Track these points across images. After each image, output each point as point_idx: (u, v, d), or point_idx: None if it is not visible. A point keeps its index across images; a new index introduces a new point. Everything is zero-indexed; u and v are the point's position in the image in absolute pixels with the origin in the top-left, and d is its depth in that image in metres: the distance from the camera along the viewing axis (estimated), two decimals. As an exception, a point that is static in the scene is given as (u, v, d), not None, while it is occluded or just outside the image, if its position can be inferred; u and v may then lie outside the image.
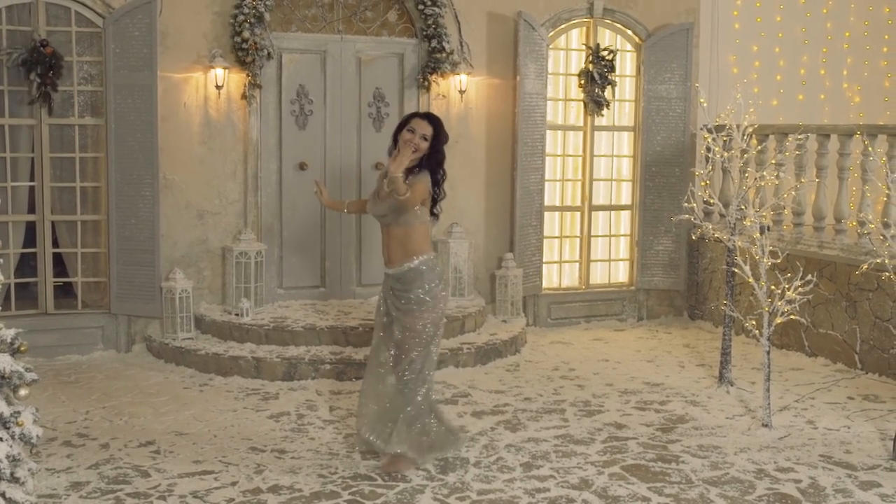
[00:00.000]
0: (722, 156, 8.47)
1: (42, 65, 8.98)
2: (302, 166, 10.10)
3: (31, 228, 9.46)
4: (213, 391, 8.36)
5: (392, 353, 6.36)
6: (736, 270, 8.11)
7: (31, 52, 8.97)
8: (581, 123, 11.22)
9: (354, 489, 6.07)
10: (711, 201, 8.66)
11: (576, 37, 11.13)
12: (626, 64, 11.33)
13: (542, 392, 8.42)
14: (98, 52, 9.34)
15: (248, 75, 9.63)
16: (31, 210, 9.40)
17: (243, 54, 9.52)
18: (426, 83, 10.26)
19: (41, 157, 9.28)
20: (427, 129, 6.22)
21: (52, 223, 9.44)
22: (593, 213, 11.35)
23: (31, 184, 9.37)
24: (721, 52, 11.79)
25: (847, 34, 12.46)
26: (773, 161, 9.57)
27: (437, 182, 6.28)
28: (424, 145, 6.19)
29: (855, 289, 9.02)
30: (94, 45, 9.36)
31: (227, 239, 9.84)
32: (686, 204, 8.65)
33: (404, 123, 6.29)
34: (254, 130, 9.83)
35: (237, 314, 9.37)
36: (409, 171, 6.17)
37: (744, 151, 8.45)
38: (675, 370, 9.23)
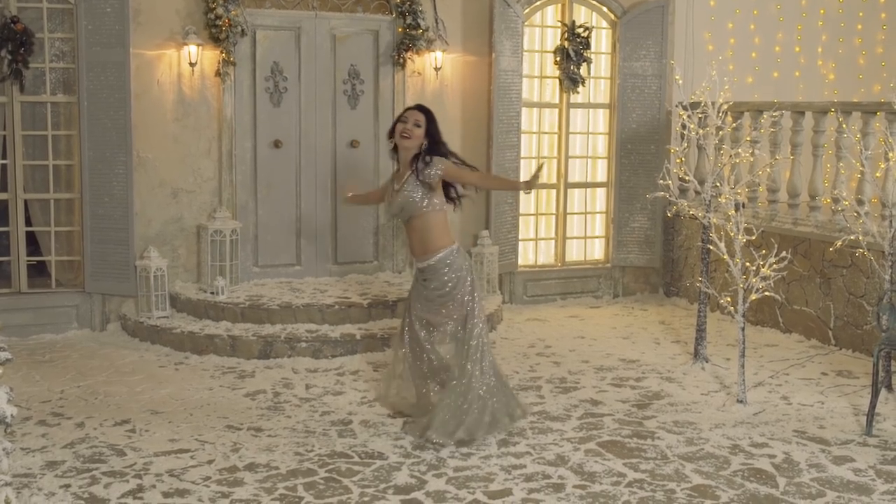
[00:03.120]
0: (697, 133, 8.48)
1: (13, 41, 8.89)
2: (277, 144, 10.05)
3: (3, 207, 9.37)
4: (189, 370, 8.34)
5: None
6: (711, 247, 8.14)
7: (1, 28, 8.87)
8: (557, 101, 11.21)
9: (331, 467, 6.07)
10: (687, 178, 8.68)
11: (551, 14, 11.10)
12: (601, 41, 11.31)
13: (518, 369, 8.44)
14: (70, 29, 9.25)
15: (221, 52, 9.56)
16: (4, 188, 9.32)
17: (217, 31, 9.45)
18: (401, 60, 10.23)
19: (13, 135, 9.19)
20: (418, 116, 6.48)
21: (25, 201, 9.36)
22: (569, 190, 11.35)
23: (3, 162, 9.28)
24: (696, 29, 11.80)
25: (822, 11, 12.50)
26: (748, 138, 9.60)
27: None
28: (418, 132, 6.44)
29: (829, 265, 9.08)
30: (65, 21, 9.26)
31: (202, 217, 9.79)
32: (661, 181, 8.66)
33: (396, 120, 6.62)
34: (228, 108, 9.77)
35: (212, 292, 9.34)
36: (416, 158, 6.48)
37: (719, 128, 8.46)
38: (650, 347, 9.27)
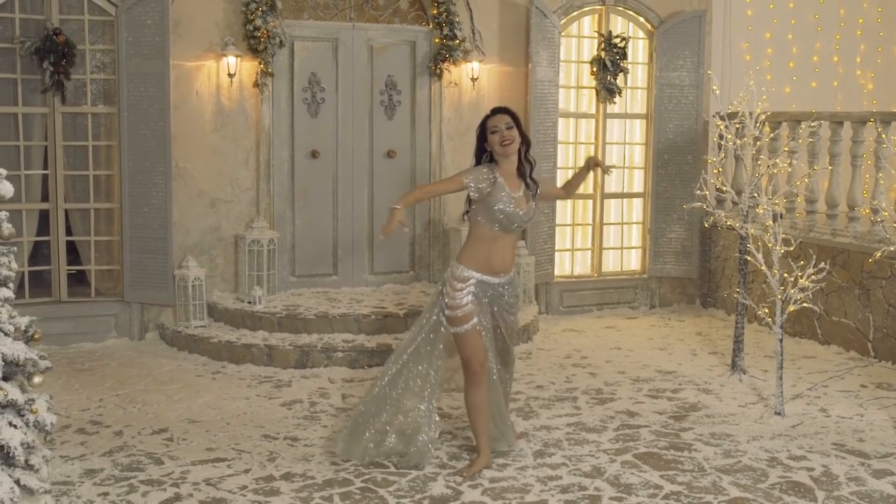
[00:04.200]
0: (734, 143, 8.44)
1: (55, 53, 9.01)
2: (314, 154, 10.10)
3: (44, 216, 9.49)
4: (226, 379, 8.39)
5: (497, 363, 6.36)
6: (748, 258, 8.09)
7: (43, 40, 9.00)
8: (593, 111, 11.19)
9: (367, 477, 6.08)
10: (724, 189, 8.64)
11: (588, 24, 11.10)
12: (638, 51, 11.29)
13: (555, 380, 8.42)
14: (110, 41, 9.35)
15: (260, 63, 9.63)
16: (45, 198, 9.43)
17: (255, 42, 9.52)
18: (438, 71, 10.26)
19: (54, 146, 9.30)
20: (506, 119, 6.06)
21: (66, 211, 9.47)
22: (605, 200, 11.33)
23: (45, 172, 9.39)
24: (733, 38, 11.74)
25: (860, 21, 12.39)
26: (786, 148, 9.54)
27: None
28: (514, 133, 6.03)
29: (868, 276, 9.00)
30: (106, 33, 9.37)
31: (240, 227, 9.86)
32: (698, 191, 8.62)
33: (483, 129, 6.12)
34: (266, 118, 9.84)
35: (250, 302, 9.39)
36: (521, 170, 6.15)
37: (756, 139, 8.42)
38: (687, 358, 9.22)
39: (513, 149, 6.03)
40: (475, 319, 6.05)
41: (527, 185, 6.16)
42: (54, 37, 8.99)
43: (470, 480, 6.05)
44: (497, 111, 6.16)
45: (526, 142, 6.15)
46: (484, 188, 5.97)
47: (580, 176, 6.76)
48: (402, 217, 5.76)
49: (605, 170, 6.67)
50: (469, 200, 6.12)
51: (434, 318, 6.20)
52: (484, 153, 6.13)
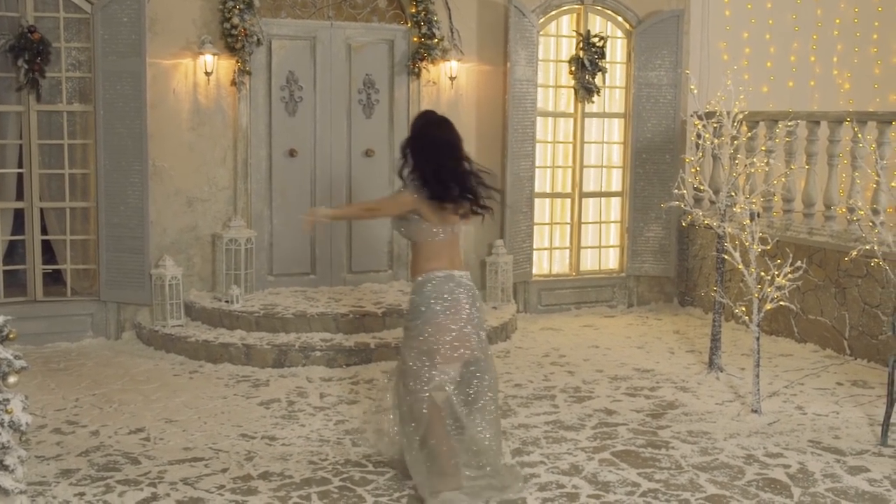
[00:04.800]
0: (712, 142, 8.47)
1: (30, 51, 8.95)
2: (292, 153, 10.08)
3: (19, 215, 9.43)
4: (204, 378, 8.36)
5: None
6: (726, 257, 8.12)
7: (18, 38, 8.94)
8: (571, 110, 11.21)
9: (345, 475, 6.07)
10: (702, 188, 8.67)
11: (566, 23, 11.11)
12: (616, 51, 11.32)
13: (533, 378, 8.43)
14: (86, 39, 9.30)
15: (237, 62, 9.60)
16: (20, 197, 9.37)
17: (233, 41, 9.49)
18: (416, 70, 10.25)
19: (29, 144, 9.24)
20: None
21: (41, 210, 9.41)
22: (584, 199, 11.35)
23: (20, 171, 9.33)
24: (711, 38, 11.77)
25: (837, 21, 12.46)
26: (763, 148, 9.58)
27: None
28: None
29: (844, 275, 9.04)
30: (82, 31, 9.31)
31: (217, 226, 9.82)
32: (676, 191, 8.65)
33: (435, 152, 5.74)
34: (243, 117, 9.81)
35: (227, 301, 9.36)
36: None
37: (734, 138, 8.45)
38: (665, 356, 9.25)
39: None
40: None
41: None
42: (29, 34, 8.93)
43: None
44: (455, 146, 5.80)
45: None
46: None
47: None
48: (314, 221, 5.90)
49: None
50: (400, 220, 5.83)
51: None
52: (424, 169, 5.71)
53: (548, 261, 11.35)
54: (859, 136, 8.68)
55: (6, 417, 4.69)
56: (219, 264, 9.70)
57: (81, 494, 5.74)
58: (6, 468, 4.69)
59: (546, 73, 11.10)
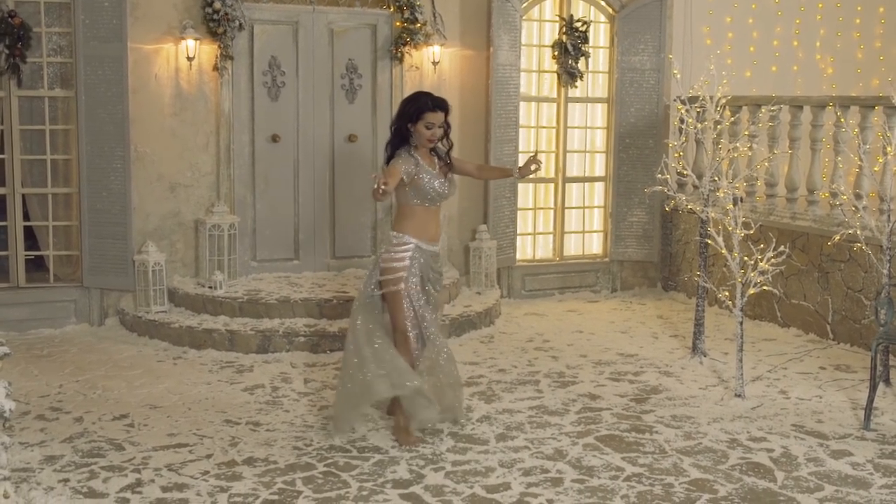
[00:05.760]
0: (695, 127, 8.48)
1: (10, 36, 8.89)
2: (275, 138, 10.04)
3: (1, 202, 9.37)
4: (187, 364, 8.34)
5: (431, 326, 6.53)
6: (709, 242, 8.14)
7: (-1, 22, 8.88)
8: (555, 95, 11.20)
9: (329, 461, 6.07)
10: (685, 173, 8.68)
11: (549, 8, 11.10)
12: (599, 35, 11.31)
13: (517, 363, 8.44)
14: (67, 23, 9.23)
15: (219, 46, 9.56)
16: (2, 183, 9.33)
17: (214, 25, 9.44)
18: (399, 55, 10.22)
19: (10, 130, 9.18)
20: (441, 119, 6.40)
21: (23, 196, 9.36)
22: (567, 184, 11.35)
23: (1, 156, 9.28)
24: (695, 23, 11.77)
25: (820, 6, 12.48)
26: (747, 132, 9.60)
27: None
28: (441, 132, 6.44)
29: (827, 260, 9.08)
30: (63, 15, 9.24)
31: (200, 211, 9.79)
32: (660, 175, 8.65)
33: (417, 113, 6.37)
34: (226, 102, 9.76)
35: (211, 287, 9.34)
36: (434, 148, 6.52)
37: (717, 123, 8.45)
38: (648, 341, 9.28)
39: (435, 143, 6.48)
40: (412, 280, 6.37)
41: (440, 160, 6.56)
42: (9, 19, 8.86)
43: (414, 446, 6.30)
44: (437, 106, 6.40)
45: (448, 128, 6.53)
46: (412, 171, 6.34)
47: (500, 174, 6.94)
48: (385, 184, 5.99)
49: (529, 168, 6.67)
50: (389, 154, 6.47)
51: (369, 291, 6.49)
52: (406, 134, 6.43)
53: (531, 246, 11.36)
54: (842, 120, 8.70)
55: (-11, 404, 4.68)
56: (202, 250, 9.67)
57: (66, 481, 5.72)
58: (-11, 455, 4.68)
59: (529, 58, 11.08)
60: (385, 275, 6.38)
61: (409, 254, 6.38)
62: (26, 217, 9.43)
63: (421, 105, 6.39)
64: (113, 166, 9.28)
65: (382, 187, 5.88)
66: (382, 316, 6.53)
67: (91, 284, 9.44)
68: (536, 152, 6.60)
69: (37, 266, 9.65)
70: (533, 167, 6.59)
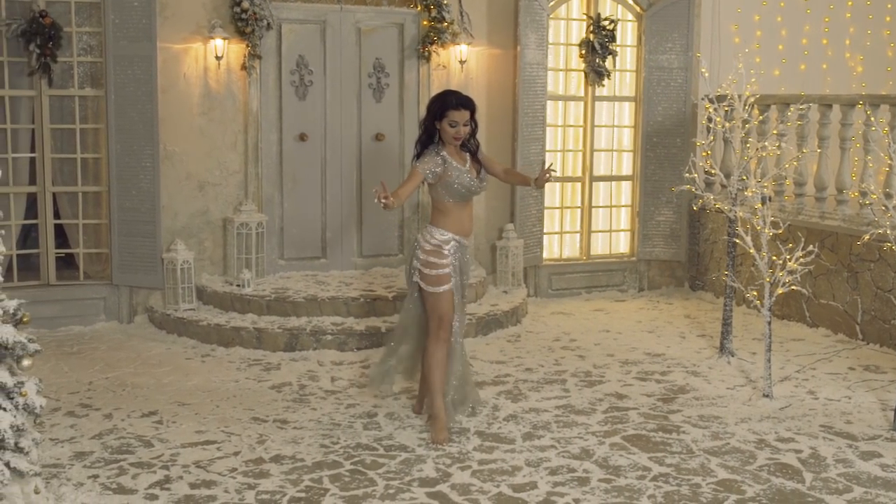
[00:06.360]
0: (723, 126, 8.45)
1: (41, 35, 8.95)
2: (302, 137, 10.08)
3: (32, 200, 9.47)
4: (215, 362, 8.39)
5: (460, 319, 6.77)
6: (737, 241, 8.10)
7: (30, 22, 8.94)
8: (582, 94, 11.18)
9: (356, 459, 6.09)
10: (713, 172, 8.64)
11: (576, 6, 11.08)
12: (626, 34, 11.28)
13: (543, 362, 8.44)
14: (97, 23, 9.30)
15: (247, 46, 9.60)
16: (32, 181, 9.40)
17: (243, 24, 9.49)
18: (426, 54, 10.23)
19: (41, 129, 9.26)
20: (466, 116, 6.48)
21: (54, 194, 9.44)
22: (594, 183, 11.33)
23: (32, 155, 9.35)
24: (723, 21, 11.72)
25: (850, 3, 12.39)
26: (775, 131, 9.55)
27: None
28: (466, 130, 6.50)
29: (856, 259, 9.02)
30: (93, 15, 9.31)
31: (228, 210, 9.84)
32: (687, 174, 8.63)
33: (442, 111, 6.46)
34: (254, 101, 9.81)
35: (238, 285, 9.38)
36: (463, 144, 6.61)
37: (745, 122, 8.42)
38: (675, 341, 9.25)
39: (461, 141, 6.53)
40: (453, 280, 6.54)
41: (472, 156, 6.64)
42: (41, 19, 8.93)
43: (446, 444, 6.34)
44: (461, 104, 6.48)
45: (475, 127, 6.61)
46: (439, 172, 6.45)
47: (522, 180, 7.04)
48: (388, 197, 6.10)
49: (544, 179, 6.69)
50: (418, 152, 6.60)
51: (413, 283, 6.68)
52: (433, 131, 6.54)
53: (558, 245, 11.34)
54: (872, 119, 8.66)
55: (21, 400, 4.72)
56: (230, 248, 9.72)
57: (95, 477, 5.77)
58: (21, 450, 4.72)
59: (556, 56, 11.06)
60: (429, 269, 6.50)
61: (450, 245, 6.52)
62: (57, 215, 9.51)
63: (445, 103, 6.48)
64: (142, 165, 9.34)
65: (384, 202, 6.04)
66: (418, 308, 6.74)
67: (120, 282, 9.51)
68: (550, 166, 6.62)
69: (67, 264, 9.73)
70: (547, 176, 6.62)
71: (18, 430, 4.69)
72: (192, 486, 5.67)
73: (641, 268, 11.47)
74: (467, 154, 6.62)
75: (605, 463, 6.08)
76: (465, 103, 6.48)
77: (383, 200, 6.01)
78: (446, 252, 6.51)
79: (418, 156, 6.56)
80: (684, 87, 11.20)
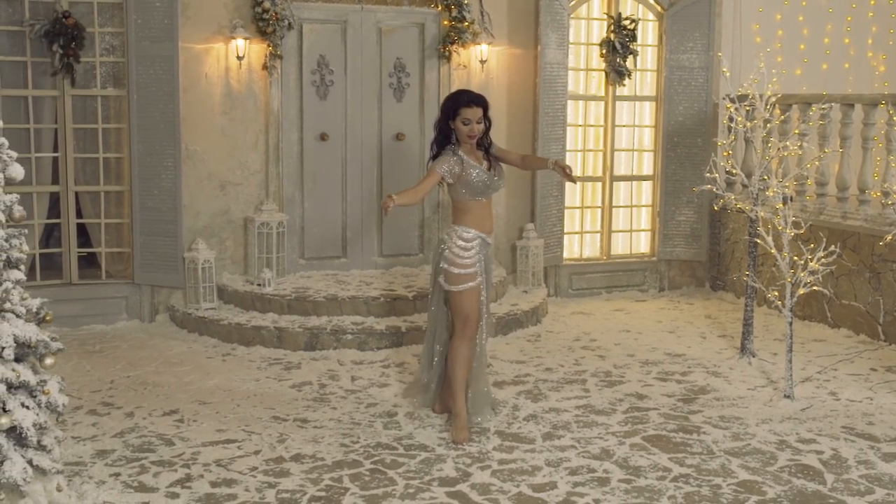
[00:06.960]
0: (745, 126, 8.42)
1: (64, 36, 9.01)
2: (323, 137, 10.10)
3: (55, 199, 9.53)
4: (236, 361, 8.42)
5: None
6: (758, 241, 8.08)
7: (53, 23, 9.00)
8: (602, 93, 11.17)
9: (376, 458, 6.11)
10: (734, 171, 8.61)
11: (597, 6, 11.06)
12: (647, 33, 11.25)
13: (564, 362, 8.43)
14: (120, 23, 9.35)
15: (268, 46, 9.63)
16: (55, 181, 9.46)
17: (264, 24, 9.52)
18: (447, 53, 10.23)
19: (64, 128, 9.32)
20: (480, 114, 6.52)
21: (76, 194, 9.50)
22: (615, 183, 11.31)
23: (55, 155, 9.41)
24: (744, 20, 11.67)
25: (872, 2, 12.31)
26: (797, 131, 9.51)
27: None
28: (481, 128, 6.54)
29: (878, 259, 8.98)
30: (115, 16, 9.37)
31: (249, 209, 9.87)
32: (708, 174, 8.60)
33: (455, 110, 6.50)
34: (275, 101, 9.84)
35: (259, 284, 9.41)
36: (479, 142, 6.62)
37: (767, 121, 8.39)
38: (696, 341, 9.22)
39: (476, 138, 6.55)
40: (479, 278, 6.59)
41: (486, 152, 6.65)
42: (63, 19, 8.99)
43: (466, 444, 6.36)
44: (472, 101, 6.52)
45: (488, 124, 6.64)
46: (457, 171, 6.49)
47: (540, 165, 7.15)
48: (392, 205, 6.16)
49: (568, 176, 6.67)
50: (434, 153, 6.63)
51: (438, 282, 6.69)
52: (448, 131, 6.56)
53: (578, 245, 11.33)
54: (894, 118, 8.61)
55: (43, 398, 4.75)
56: (251, 248, 9.75)
57: (117, 475, 5.81)
58: (43, 448, 4.76)
59: (577, 56, 11.05)
60: (456, 268, 6.52)
61: (475, 242, 6.55)
62: (79, 214, 9.57)
63: (457, 101, 6.54)
64: (164, 164, 9.38)
65: (385, 205, 6.12)
66: (441, 308, 6.79)
67: (142, 281, 9.56)
68: (574, 177, 6.67)
69: (89, 263, 9.78)
70: (567, 171, 6.61)
71: (41, 429, 4.73)
72: (213, 484, 5.70)
73: (662, 268, 11.44)
74: (482, 152, 6.65)
75: (626, 463, 6.08)
76: (477, 100, 6.52)
77: (388, 206, 6.09)
78: (473, 250, 6.54)
79: (435, 157, 6.59)
80: (705, 86, 11.16)
